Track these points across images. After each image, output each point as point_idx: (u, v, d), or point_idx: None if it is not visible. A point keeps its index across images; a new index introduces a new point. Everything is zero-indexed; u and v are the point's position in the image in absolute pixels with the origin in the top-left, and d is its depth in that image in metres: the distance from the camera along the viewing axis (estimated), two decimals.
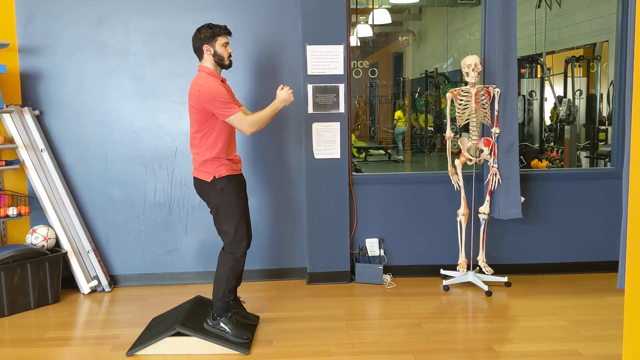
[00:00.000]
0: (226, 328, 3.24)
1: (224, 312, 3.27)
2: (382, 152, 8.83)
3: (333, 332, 3.45)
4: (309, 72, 4.23)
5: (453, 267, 4.31)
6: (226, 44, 3.30)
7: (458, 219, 4.25)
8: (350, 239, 4.44)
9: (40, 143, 4.17)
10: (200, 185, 3.31)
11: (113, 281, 4.40)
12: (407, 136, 8.77)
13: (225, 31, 3.31)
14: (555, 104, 6.63)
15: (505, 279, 4.21)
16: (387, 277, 4.35)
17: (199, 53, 3.30)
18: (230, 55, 3.32)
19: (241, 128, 3.21)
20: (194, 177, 3.34)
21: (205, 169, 3.24)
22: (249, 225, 3.45)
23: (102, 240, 4.39)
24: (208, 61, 3.28)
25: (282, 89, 3.39)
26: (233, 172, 3.30)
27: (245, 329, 3.32)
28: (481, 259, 4.25)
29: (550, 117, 6.82)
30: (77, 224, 4.24)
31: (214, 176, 3.22)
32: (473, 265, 4.29)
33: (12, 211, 4.12)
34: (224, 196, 3.24)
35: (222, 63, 3.30)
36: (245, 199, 3.46)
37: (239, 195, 3.31)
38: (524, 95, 6.47)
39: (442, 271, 4.37)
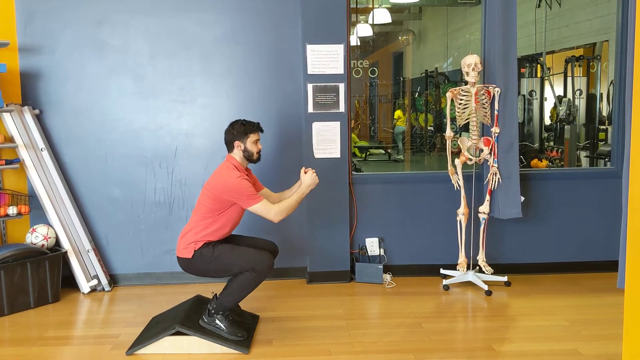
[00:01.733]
0: (221, 325, 3.24)
1: (223, 311, 3.27)
2: (381, 151, 8.82)
3: (333, 332, 3.45)
4: (309, 72, 4.23)
5: (453, 267, 4.32)
6: (257, 141, 3.37)
7: (458, 218, 4.25)
8: (350, 239, 4.44)
9: (40, 142, 4.17)
10: (184, 263, 3.31)
11: (113, 280, 4.40)
12: (407, 136, 8.77)
13: (257, 129, 3.38)
14: (555, 104, 6.64)
15: (505, 278, 4.21)
16: (387, 277, 4.35)
17: (230, 147, 3.36)
18: (259, 151, 3.38)
19: (268, 217, 3.26)
20: (177, 257, 3.33)
21: (187, 247, 3.25)
22: (256, 244, 3.44)
23: (102, 239, 4.39)
24: (237, 155, 3.35)
25: (305, 172, 3.42)
26: (212, 240, 3.29)
27: (240, 327, 3.32)
28: (481, 258, 4.25)
29: (550, 117, 6.82)
30: (77, 223, 4.24)
31: (194, 250, 3.23)
32: (473, 265, 4.29)
33: (12, 210, 4.12)
34: (207, 257, 3.22)
35: (250, 158, 3.37)
36: (232, 237, 3.45)
37: (219, 245, 3.28)
38: (524, 95, 6.47)
39: (442, 271, 4.37)
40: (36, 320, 3.75)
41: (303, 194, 3.37)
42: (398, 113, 8.76)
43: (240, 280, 3.19)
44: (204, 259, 3.22)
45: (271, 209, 3.24)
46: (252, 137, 3.34)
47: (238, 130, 3.32)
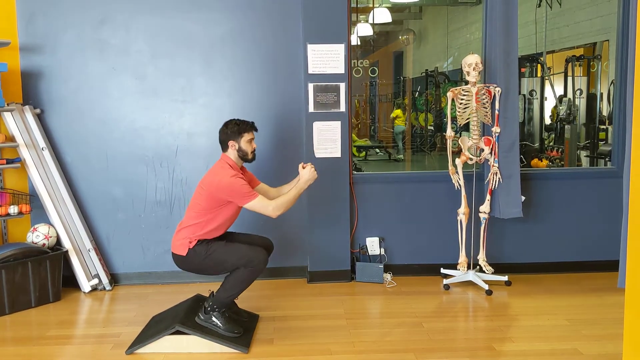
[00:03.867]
0: (218, 322, 3.25)
1: (219, 308, 3.27)
2: (377, 151, 8.82)
3: (333, 331, 3.45)
4: (310, 71, 4.23)
5: (453, 266, 4.32)
6: (251, 140, 3.37)
7: (458, 218, 4.25)
8: (351, 238, 4.44)
9: (41, 141, 4.18)
10: (178, 260, 3.32)
11: (114, 279, 4.41)
12: (408, 135, 8.77)
13: (252, 128, 3.38)
14: (556, 104, 6.64)
15: (505, 278, 4.21)
16: (388, 276, 4.36)
17: (224, 146, 3.37)
18: (254, 151, 3.39)
19: (266, 213, 3.25)
20: (172, 253, 3.34)
21: (182, 243, 3.26)
22: (251, 240, 3.45)
23: (103, 238, 4.40)
24: (231, 154, 3.35)
25: (304, 167, 3.42)
26: (205, 238, 3.30)
27: (236, 324, 3.32)
28: (481, 258, 4.25)
29: (550, 117, 6.83)
30: (78, 222, 4.24)
31: (188, 248, 3.24)
32: (473, 264, 4.29)
33: (13, 209, 4.12)
34: (200, 254, 3.23)
35: (245, 158, 3.37)
36: (226, 235, 3.45)
37: (213, 242, 3.29)
38: (524, 95, 6.48)
39: (443, 270, 4.37)
40: (37, 320, 3.76)
41: (301, 189, 3.38)
42: (397, 112, 8.74)
43: (235, 276, 3.20)
44: (198, 256, 3.23)
45: (268, 204, 3.23)
46: (247, 137, 3.34)
47: (232, 129, 3.33)
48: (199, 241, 3.25)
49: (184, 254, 3.25)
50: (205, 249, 3.23)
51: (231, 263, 3.20)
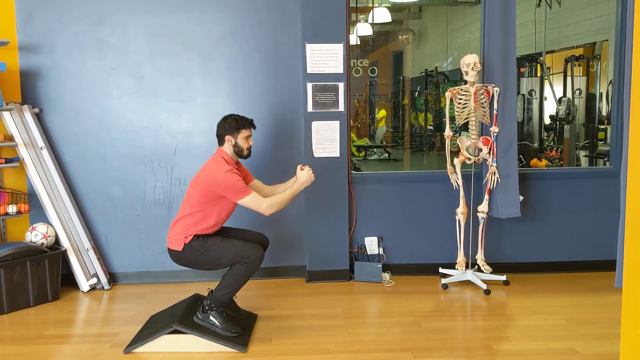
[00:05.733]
0: (215, 321, 3.25)
1: (217, 306, 3.27)
2: (374, 150, 8.78)
3: (332, 330, 3.46)
4: (309, 71, 4.23)
5: (452, 266, 4.32)
6: (248, 137, 3.38)
7: (457, 217, 4.25)
8: (350, 238, 4.44)
9: (39, 141, 4.18)
10: (174, 255, 3.33)
11: (112, 279, 4.41)
12: (407, 135, 8.76)
13: (250, 125, 3.39)
14: (557, 109, 6.64)
15: (503, 277, 4.21)
16: (386, 276, 4.36)
17: (220, 140, 3.37)
18: (250, 148, 3.39)
19: (259, 210, 3.26)
20: (168, 249, 3.35)
21: (177, 238, 3.27)
22: (247, 236, 3.46)
23: (101, 238, 4.40)
24: (227, 149, 3.36)
25: (302, 169, 3.43)
26: (201, 233, 3.30)
27: (234, 323, 3.32)
28: (480, 257, 4.25)
29: (550, 117, 6.82)
30: (76, 221, 4.24)
31: (184, 243, 3.25)
32: (472, 264, 4.30)
33: (11, 209, 4.12)
34: (196, 250, 3.24)
35: (240, 154, 3.38)
36: (223, 230, 3.46)
37: (210, 238, 3.30)
38: (523, 94, 6.47)
39: (441, 270, 4.37)
40: (36, 319, 3.76)
41: (297, 190, 3.39)
42: (382, 112, 8.60)
43: (231, 273, 3.21)
44: (194, 251, 3.24)
45: (262, 202, 3.24)
46: (244, 133, 3.35)
47: (230, 124, 3.33)
48: (195, 236, 3.25)
49: (180, 249, 3.25)
50: (201, 245, 3.24)
51: (227, 259, 3.21)
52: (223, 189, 3.21)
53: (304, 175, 3.40)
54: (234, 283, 3.22)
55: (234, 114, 3.40)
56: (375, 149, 8.83)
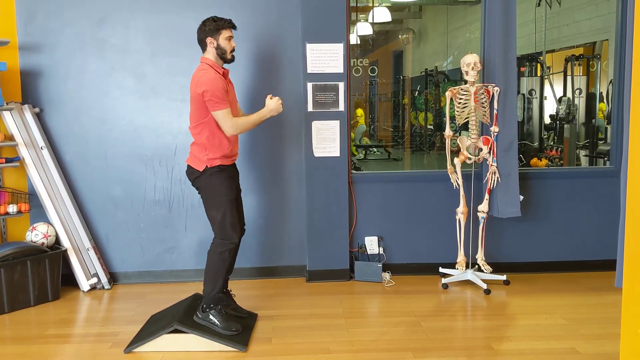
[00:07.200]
0: (215, 320, 3.25)
1: (214, 304, 3.28)
2: (374, 150, 8.76)
3: (332, 330, 3.46)
4: (309, 70, 4.23)
5: (452, 266, 4.32)
6: (230, 38, 3.34)
7: (457, 217, 4.26)
8: (350, 237, 4.45)
9: (40, 140, 4.18)
10: (191, 173, 3.36)
11: (113, 278, 4.41)
12: (407, 135, 8.77)
13: (229, 25, 3.35)
14: (557, 108, 6.64)
15: (504, 277, 4.21)
16: (386, 275, 4.36)
17: (203, 45, 3.34)
18: (233, 50, 3.36)
19: (223, 127, 3.24)
20: (187, 164, 3.38)
21: (199, 158, 3.29)
22: (240, 217, 3.48)
23: (102, 237, 4.40)
24: (210, 53, 3.32)
25: (271, 98, 3.43)
26: (225, 163, 3.34)
27: (234, 322, 3.33)
28: (480, 257, 4.26)
29: (550, 116, 6.82)
30: (77, 221, 4.24)
31: (206, 166, 3.27)
32: (472, 264, 4.30)
33: (12, 208, 4.12)
34: (214, 182, 3.28)
35: (224, 57, 3.33)
36: (237, 189, 3.50)
37: (228, 184, 3.33)
38: (523, 94, 6.47)
39: (441, 269, 4.37)
40: (36, 318, 3.76)
41: (264, 116, 3.38)
42: (360, 111, 8.48)
43: (208, 268, 3.29)
44: (209, 181, 3.26)
45: (229, 120, 3.22)
46: (225, 33, 3.30)
47: (209, 26, 3.29)
48: (218, 167, 3.27)
49: (201, 170, 3.27)
50: (217, 183, 3.26)
51: (217, 220, 3.27)
52: (205, 91, 3.14)
53: (272, 103, 3.39)
54: (214, 275, 3.28)
55: (212, 16, 3.36)
56: (375, 149, 8.83)
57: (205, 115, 3.24)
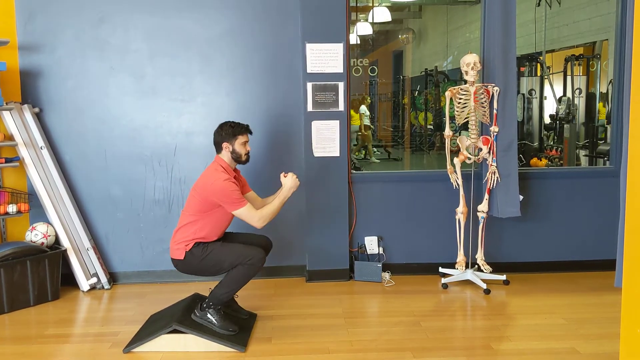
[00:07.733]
0: (213, 319, 3.26)
1: (218, 304, 3.28)
2: (374, 150, 8.76)
3: (332, 330, 3.46)
4: (309, 70, 4.23)
5: (452, 265, 4.32)
6: (245, 142, 3.39)
7: (457, 217, 4.25)
8: (350, 237, 4.45)
9: (40, 140, 4.18)
10: (178, 265, 3.35)
11: (112, 278, 4.41)
12: (407, 135, 8.77)
13: (246, 131, 3.40)
14: (557, 108, 6.64)
15: (503, 277, 4.21)
16: (386, 275, 4.36)
17: (218, 148, 3.39)
18: (247, 153, 3.40)
19: (251, 223, 3.28)
20: (171, 258, 3.37)
21: (179, 245, 3.29)
22: (249, 240, 3.47)
23: (101, 237, 4.40)
24: (225, 157, 3.38)
25: (285, 176, 3.44)
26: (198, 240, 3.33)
27: (232, 322, 3.32)
28: (480, 257, 4.25)
29: (550, 116, 6.83)
30: (76, 221, 4.24)
31: (185, 252, 3.27)
32: (472, 264, 4.30)
33: (11, 208, 4.12)
34: (197, 254, 3.26)
35: (239, 160, 3.39)
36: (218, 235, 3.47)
37: (208, 243, 3.32)
38: (523, 94, 6.48)
39: (441, 269, 4.37)
40: (36, 318, 3.76)
41: (285, 197, 3.40)
42: (353, 113, 8.34)
43: (232, 274, 3.22)
44: (195, 258, 3.26)
45: (255, 214, 3.26)
46: (241, 139, 3.36)
47: (227, 131, 3.34)
48: (195, 243, 3.26)
49: (182, 258, 3.27)
50: (202, 251, 3.25)
51: (229, 262, 3.21)
52: (219, 197, 3.22)
53: (288, 181, 3.41)
54: (234, 283, 3.23)
55: (229, 121, 3.41)
56: (376, 149, 8.83)
57: (208, 210, 3.28)
